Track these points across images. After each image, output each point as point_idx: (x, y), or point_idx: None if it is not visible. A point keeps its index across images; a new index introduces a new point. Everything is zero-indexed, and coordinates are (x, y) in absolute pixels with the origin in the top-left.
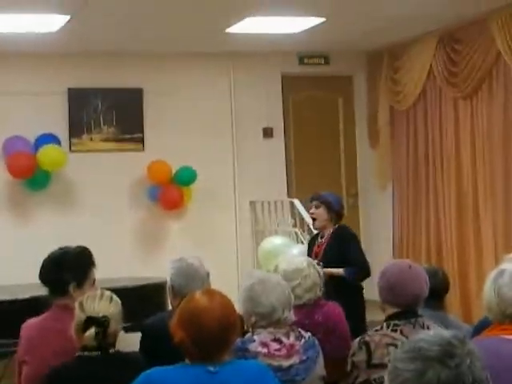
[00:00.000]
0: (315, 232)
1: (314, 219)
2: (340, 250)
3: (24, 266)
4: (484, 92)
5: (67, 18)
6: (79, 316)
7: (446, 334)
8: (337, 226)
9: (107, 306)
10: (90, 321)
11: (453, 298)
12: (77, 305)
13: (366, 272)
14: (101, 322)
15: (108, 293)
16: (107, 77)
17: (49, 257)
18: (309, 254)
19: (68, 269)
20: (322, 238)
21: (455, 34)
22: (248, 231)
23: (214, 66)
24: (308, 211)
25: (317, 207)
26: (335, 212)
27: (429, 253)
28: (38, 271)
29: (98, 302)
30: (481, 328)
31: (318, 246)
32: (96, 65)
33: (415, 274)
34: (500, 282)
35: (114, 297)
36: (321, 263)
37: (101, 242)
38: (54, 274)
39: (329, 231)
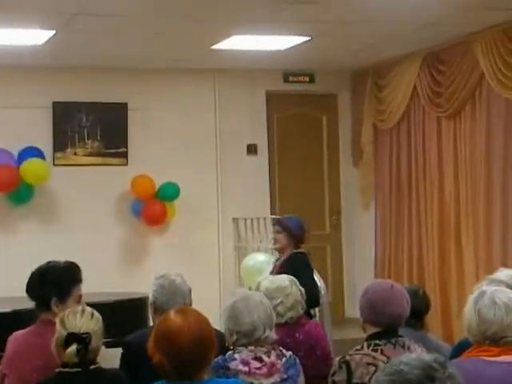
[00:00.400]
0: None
1: (274, 241)
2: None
3: (7, 279)
4: (467, 112)
5: (53, 32)
6: (60, 332)
7: (427, 357)
8: (293, 252)
9: (88, 323)
10: (72, 337)
11: (434, 318)
12: (57, 321)
13: (314, 301)
14: (82, 339)
15: (89, 309)
16: (92, 91)
17: (36, 270)
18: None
19: (51, 283)
20: (277, 260)
21: (439, 55)
22: (230, 247)
23: (199, 82)
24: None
25: (278, 232)
26: (295, 237)
27: (410, 272)
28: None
29: (80, 319)
30: (460, 349)
31: (274, 268)
32: (81, 79)
33: (397, 293)
34: (480, 303)
35: (95, 313)
36: None
37: (84, 257)
38: (37, 288)
39: (285, 256)
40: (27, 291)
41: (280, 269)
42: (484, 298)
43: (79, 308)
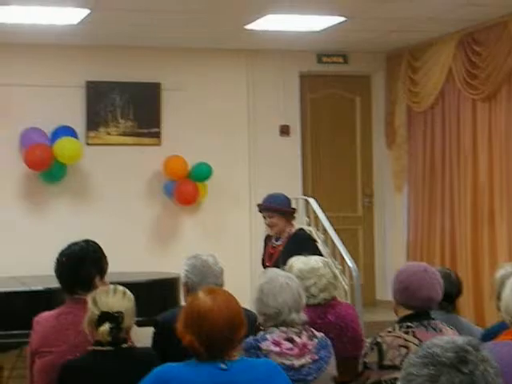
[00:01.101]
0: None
1: (269, 226)
2: (297, 253)
3: (38, 258)
4: (503, 94)
5: (87, 11)
6: (93, 311)
7: (460, 340)
8: (294, 230)
9: (121, 301)
10: (104, 316)
11: (466, 301)
12: (90, 300)
13: None
14: (115, 318)
15: (121, 288)
16: (125, 71)
17: (67, 253)
18: (263, 254)
19: (91, 263)
20: (277, 240)
21: (475, 36)
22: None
23: (232, 62)
24: (264, 220)
25: (270, 217)
26: (289, 213)
27: (443, 255)
28: (56, 268)
29: (112, 297)
30: (493, 332)
31: (273, 248)
32: (114, 58)
33: (430, 276)
34: None
35: (127, 292)
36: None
37: (115, 236)
38: (80, 268)
39: (286, 234)
40: (65, 273)
41: (284, 248)
42: None
43: (111, 287)
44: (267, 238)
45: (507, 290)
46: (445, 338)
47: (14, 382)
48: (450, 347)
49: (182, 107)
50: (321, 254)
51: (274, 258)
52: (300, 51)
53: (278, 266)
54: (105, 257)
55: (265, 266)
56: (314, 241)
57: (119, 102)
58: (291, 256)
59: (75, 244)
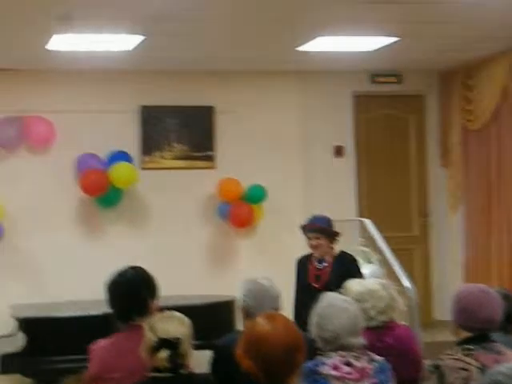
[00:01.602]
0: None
1: (315, 247)
2: (347, 274)
3: (94, 282)
4: None
5: (142, 37)
6: (150, 337)
7: None
8: (337, 252)
9: (179, 327)
10: (162, 342)
11: None
12: (147, 326)
13: None
14: (172, 344)
15: (178, 314)
16: (179, 95)
17: (119, 280)
18: (301, 276)
19: (145, 286)
20: (320, 262)
21: None
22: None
23: (284, 84)
24: (308, 241)
25: (317, 238)
26: (334, 235)
27: (501, 276)
28: (108, 296)
29: (169, 324)
30: None
31: (319, 270)
32: (168, 83)
33: (489, 297)
34: None
35: (184, 317)
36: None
37: (171, 259)
38: (133, 293)
39: (329, 256)
40: (118, 299)
41: (333, 270)
42: None
43: (168, 313)
44: (304, 261)
45: None
46: (507, 365)
47: None
48: None
49: (235, 130)
50: (362, 275)
51: (323, 279)
52: (353, 71)
53: (330, 289)
54: (154, 279)
55: (310, 288)
56: (358, 262)
57: (173, 126)
58: (342, 277)
59: (124, 271)
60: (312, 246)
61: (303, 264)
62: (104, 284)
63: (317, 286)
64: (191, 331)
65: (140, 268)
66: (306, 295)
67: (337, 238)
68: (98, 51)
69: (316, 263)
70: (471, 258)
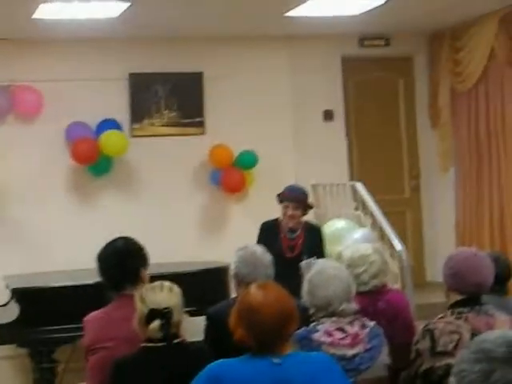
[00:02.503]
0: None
1: (291, 217)
2: (313, 243)
3: (87, 251)
4: None
5: (128, 3)
6: (141, 309)
7: (511, 333)
8: (304, 222)
9: (168, 297)
10: (153, 313)
11: None
12: (137, 297)
13: None
14: (164, 314)
15: (167, 283)
16: (167, 61)
17: (110, 250)
18: (271, 244)
19: (137, 256)
20: (293, 232)
21: None
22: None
23: (273, 49)
24: (284, 209)
25: (296, 208)
26: (310, 208)
27: (492, 237)
28: (100, 266)
29: (159, 294)
30: None
31: (292, 240)
32: (156, 50)
33: (480, 261)
34: None
35: (174, 286)
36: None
37: (163, 227)
38: (125, 262)
39: (300, 226)
40: (111, 269)
41: (305, 240)
42: None
43: (157, 283)
44: (271, 228)
45: None
46: (496, 332)
47: (68, 375)
48: (502, 342)
49: (224, 95)
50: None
51: (297, 250)
52: (341, 35)
53: (301, 259)
54: (144, 249)
55: (283, 258)
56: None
57: (162, 92)
58: (312, 247)
59: (114, 241)
60: (289, 216)
61: (272, 232)
62: (95, 254)
63: (290, 256)
64: (182, 300)
65: (130, 238)
66: (279, 265)
67: (310, 210)
68: (84, 19)
69: (288, 233)
70: (463, 218)
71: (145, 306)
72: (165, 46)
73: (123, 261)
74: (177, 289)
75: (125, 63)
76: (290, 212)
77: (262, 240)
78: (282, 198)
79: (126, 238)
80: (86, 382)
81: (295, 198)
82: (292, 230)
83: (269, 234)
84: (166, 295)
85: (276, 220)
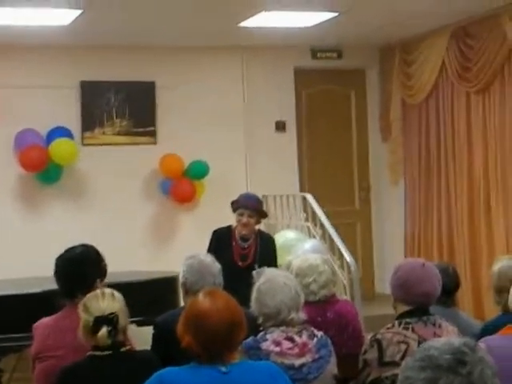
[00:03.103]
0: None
1: (245, 225)
2: (265, 252)
3: (35, 260)
4: (496, 87)
5: (79, 11)
6: (86, 318)
7: (457, 341)
8: (257, 230)
9: (112, 303)
10: (99, 320)
11: (464, 294)
12: (80, 307)
13: None
14: (110, 320)
15: (108, 290)
16: (120, 70)
17: (67, 257)
18: (223, 252)
19: (93, 265)
20: (245, 240)
21: (468, 29)
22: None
23: (226, 59)
24: (238, 217)
25: (250, 217)
26: (264, 217)
27: (440, 248)
28: (56, 272)
29: (102, 301)
30: (492, 325)
31: (245, 249)
32: (108, 58)
33: (428, 272)
34: None
35: (115, 292)
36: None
37: (113, 236)
38: (80, 271)
39: (253, 234)
40: (65, 276)
41: (258, 248)
42: None
43: (98, 291)
44: (223, 236)
45: None
46: (441, 339)
47: None
48: (447, 349)
49: (177, 105)
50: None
51: (249, 259)
52: (294, 47)
53: (253, 268)
54: (104, 260)
55: (235, 267)
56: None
57: (114, 101)
58: (263, 256)
59: (74, 248)
60: (243, 224)
61: (224, 239)
62: (43, 263)
63: (242, 265)
64: (124, 305)
65: (91, 246)
66: (229, 273)
67: (262, 220)
68: (35, 26)
69: (240, 241)
70: (412, 230)
71: (89, 314)
72: (117, 55)
73: (78, 268)
74: (118, 294)
75: (76, 71)
76: (244, 219)
77: (213, 248)
78: (236, 205)
79: (88, 246)
80: None
81: (250, 205)
82: (244, 239)
83: (221, 241)
84: (110, 301)
85: (229, 228)
